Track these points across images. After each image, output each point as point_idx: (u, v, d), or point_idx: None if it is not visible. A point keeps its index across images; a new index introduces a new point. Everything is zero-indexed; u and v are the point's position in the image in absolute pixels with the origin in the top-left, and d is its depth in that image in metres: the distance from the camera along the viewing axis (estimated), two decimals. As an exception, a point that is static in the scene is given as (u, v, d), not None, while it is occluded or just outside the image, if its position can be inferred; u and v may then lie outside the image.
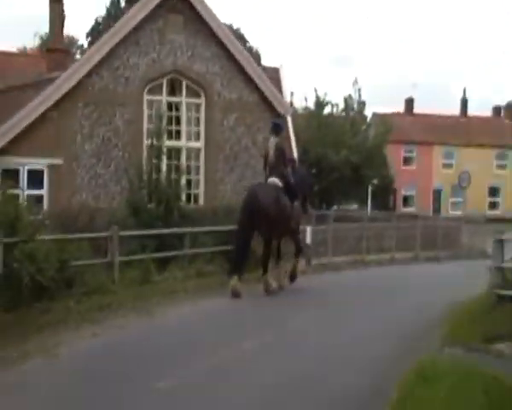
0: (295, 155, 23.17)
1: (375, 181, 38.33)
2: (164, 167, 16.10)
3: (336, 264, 17.37)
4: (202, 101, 17.56)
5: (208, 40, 17.37)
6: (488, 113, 59.07)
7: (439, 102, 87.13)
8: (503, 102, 58.86)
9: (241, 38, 56.31)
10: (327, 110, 31.83)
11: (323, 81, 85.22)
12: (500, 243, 10.29)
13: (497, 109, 58.93)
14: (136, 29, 16.34)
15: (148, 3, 16.28)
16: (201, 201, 17.47)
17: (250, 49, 55.98)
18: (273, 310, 11.07)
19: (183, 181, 16.94)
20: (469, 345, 8.61)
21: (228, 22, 54.54)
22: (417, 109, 56.44)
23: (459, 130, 54.34)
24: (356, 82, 31.88)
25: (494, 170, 54.04)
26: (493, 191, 54.20)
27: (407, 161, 53.95)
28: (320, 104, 31.11)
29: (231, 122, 17.81)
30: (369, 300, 12.43)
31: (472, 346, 8.57)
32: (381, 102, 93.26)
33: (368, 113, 37.29)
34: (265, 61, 63.30)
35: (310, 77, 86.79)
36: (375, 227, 22.61)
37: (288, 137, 23.59)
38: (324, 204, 29.90)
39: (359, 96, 32.08)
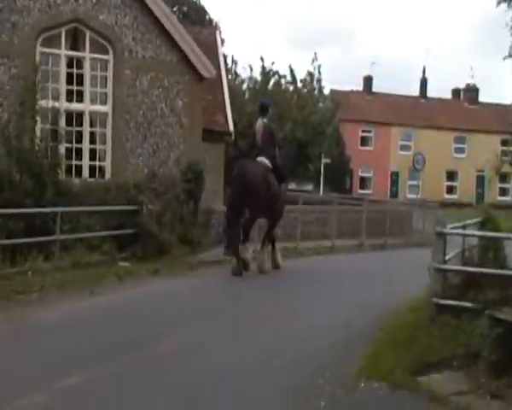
0: (231, 126, 20.74)
1: (327, 160, 36.09)
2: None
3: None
4: (110, 57, 14.80)
5: (117, -16, 14.64)
6: (448, 95, 57.40)
7: (398, 83, 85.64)
8: (462, 85, 57.19)
9: (201, 9, 53.28)
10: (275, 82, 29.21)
11: (280, 59, 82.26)
12: (442, 236, 7.95)
13: (456, 91, 57.26)
14: (25, -36, 13.53)
15: None
16: (108, 174, 14.81)
17: (210, 21, 53.01)
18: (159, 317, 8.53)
19: (86, 150, 14.43)
20: (393, 378, 6.29)
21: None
22: (376, 88, 54.48)
23: (418, 111, 52.52)
24: (315, 58, 29.43)
25: (452, 153, 52.48)
26: (451, 175, 52.70)
27: (364, 141, 51.99)
28: (266, 74, 28.51)
29: (145, 84, 15.13)
30: (284, 301, 10.07)
31: (396, 380, 6.25)
32: (340, 81, 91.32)
33: (326, 91, 35.08)
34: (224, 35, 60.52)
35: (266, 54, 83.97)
36: (317, 210, 20.29)
37: (223, 105, 21.12)
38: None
39: (319, 73, 29.66)
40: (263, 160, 12.38)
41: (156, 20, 15.09)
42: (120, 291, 9.62)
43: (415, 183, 36.91)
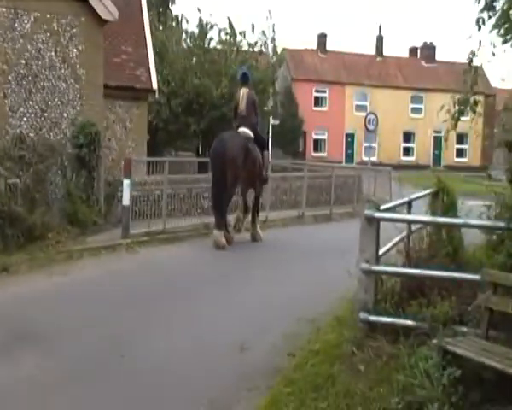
0: (154, 83, 17.90)
1: (275, 122, 33.46)
2: None
3: (176, 232, 12.27)
4: (-21, -8, 11.90)
5: None
6: (405, 53, 55.11)
7: (354, 41, 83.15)
8: (419, 43, 54.94)
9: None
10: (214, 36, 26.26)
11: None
12: (373, 223, 5.49)
13: (413, 50, 54.95)
14: None
15: None
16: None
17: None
18: None
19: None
20: None
21: None
22: (331, 46, 51.84)
23: (374, 70, 50.21)
24: (270, 16, 26.48)
25: (409, 114, 50.43)
26: (408, 137, 50.70)
27: (318, 101, 49.52)
28: (203, 27, 25.51)
29: (27, 26, 12.20)
30: (163, 309, 7.52)
31: None
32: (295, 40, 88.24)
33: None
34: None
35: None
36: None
37: (146, 59, 18.26)
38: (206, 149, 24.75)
39: (273, 31, 26.84)
40: (245, 130, 12.25)
41: None
42: None
43: (370, 145, 34.54)
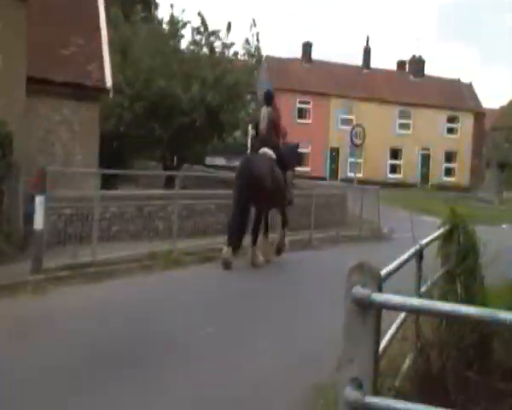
0: (108, 81, 15.37)
1: (253, 132, 30.92)
2: None
3: (110, 264, 9.57)
4: None
5: None
6: (392, 67, 53.03)
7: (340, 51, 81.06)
8: (407, 57, 52.89)
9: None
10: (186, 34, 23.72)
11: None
12: (368, 311, 2.83)
13: (401, 63, 52.84)
14: None
15: None
16: None
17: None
18: None
19: None
20: None
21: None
22: (316, 56, 49.61)
23: (360, 82, 47.98)
24: (254, 24, 23.95)
25: (397, 129, 48.16)
26: (394, 153, 48.38)
27: (302, 113, 47.11)
28: (173, 24, 22.88)
29: None
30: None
31: None
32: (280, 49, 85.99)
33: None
34: None
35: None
36: (219, 195, 15.03)
37: (100, 54, 15.75)
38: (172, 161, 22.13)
39: (257, 40, 24.41)
40: (266, 151, 12.05)
41: None
42: None
43: (356, 160, 32.04)
